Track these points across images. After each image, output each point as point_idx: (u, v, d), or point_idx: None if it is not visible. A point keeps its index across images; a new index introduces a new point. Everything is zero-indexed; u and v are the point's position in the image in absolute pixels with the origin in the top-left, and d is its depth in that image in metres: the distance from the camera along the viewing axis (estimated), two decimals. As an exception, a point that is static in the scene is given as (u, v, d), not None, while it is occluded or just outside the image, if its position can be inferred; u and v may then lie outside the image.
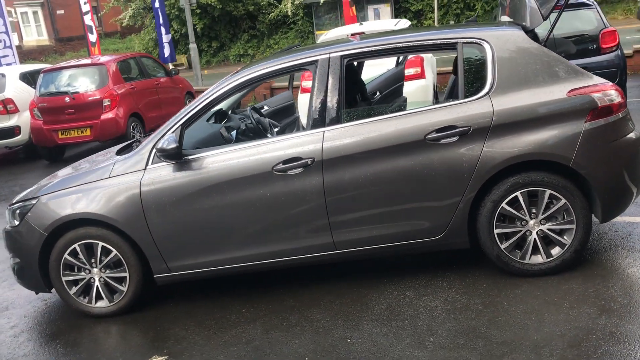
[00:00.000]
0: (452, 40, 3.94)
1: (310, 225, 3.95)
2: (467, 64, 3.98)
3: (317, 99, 3.95)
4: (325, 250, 4.00)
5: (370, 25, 9.10)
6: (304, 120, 6.77)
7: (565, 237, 3.82)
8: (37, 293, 4.66)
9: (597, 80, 3.80)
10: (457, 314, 3.60)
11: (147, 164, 4.07)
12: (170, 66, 13.64)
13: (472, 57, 4.02)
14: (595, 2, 7.77)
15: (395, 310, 3.74)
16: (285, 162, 3.89)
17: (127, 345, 3.85)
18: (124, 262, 4.14)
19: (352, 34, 8.37)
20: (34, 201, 4.26)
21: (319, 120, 3.93)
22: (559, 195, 3.75)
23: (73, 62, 10.92)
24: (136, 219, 4.05)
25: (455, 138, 3.75)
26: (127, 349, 3.79)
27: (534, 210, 3.81)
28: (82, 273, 4.23)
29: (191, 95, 12.98)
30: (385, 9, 26.70)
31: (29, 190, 4.54)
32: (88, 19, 14.33)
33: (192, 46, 15.19)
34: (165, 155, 3.93)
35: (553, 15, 4.06)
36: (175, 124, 4.08)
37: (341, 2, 26.82)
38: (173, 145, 3.87)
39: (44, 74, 10.42)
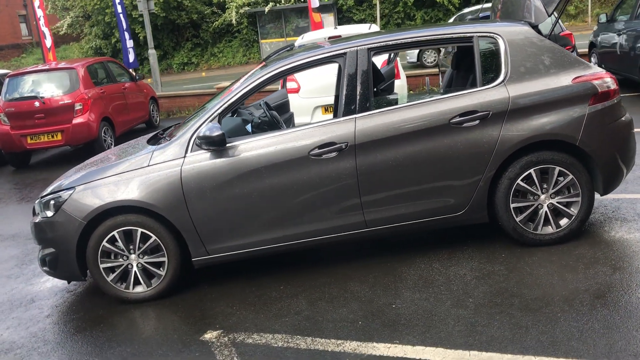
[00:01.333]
0: (469, 35, 4.37)
1: (343, 205, 4.26)
2: (481, 55, 4.41)
3: (348, 88, 4.28)
4: (357, 228, 4.32)
5: (345, 29, 9.50)
6: (297, 118, 7.10)
7: (572, 208, 4.29)
8: (69, 282, 4.76)
9: (596, 69, 4.31)
10: (486, 279, 4.00)
11: (186, 152, 4.28)
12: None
13: (485, 50, 4.44)
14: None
15: (428, 280, 4.10)
16: (320, 147, 4.19)
17: (178, 324, 4.02)
18: (163, 247, 4.32)
19: (330, 37, 8.78)
20: (70, 191, 4.38)
21: (350, 108, 4.25)
22: (567, 172, 4.22)
23: (41, 67, 10.78)
24: (177, 204, 4.24)
25: (477, 122, 4.17)
26: (179, 327, 3.97)
27: (545, 186, 4.26)
28: (120, 260, 4.37)
29: (155, 100, 13.01)
30: (329, 18, 27.18)
31: (56, 183, 4.64)
32: (43, 25, 14.08)
33: (152, 52, 15.18)
34: (210, 142, 4.14)
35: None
36: (213, 114, 4.31)
37: (284, 12, 27.31)
38: (218, 132, 4.10)
39: (10, 78, 10.27)
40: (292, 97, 8.46)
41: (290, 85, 8.61)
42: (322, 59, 4.42)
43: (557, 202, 4.29)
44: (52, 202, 4.44)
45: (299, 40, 9.15)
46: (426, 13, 25.94)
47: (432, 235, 4.79)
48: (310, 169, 4.21)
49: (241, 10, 27.27)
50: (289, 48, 6.99)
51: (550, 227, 4.32)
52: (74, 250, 4.35)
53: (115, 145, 10.51)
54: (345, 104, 4.27)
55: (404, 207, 4.28)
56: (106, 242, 4.32)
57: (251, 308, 4.08)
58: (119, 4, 14.55)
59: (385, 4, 26.31)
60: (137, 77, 12.41)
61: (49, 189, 4.62)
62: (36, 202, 4.68)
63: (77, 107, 9.93)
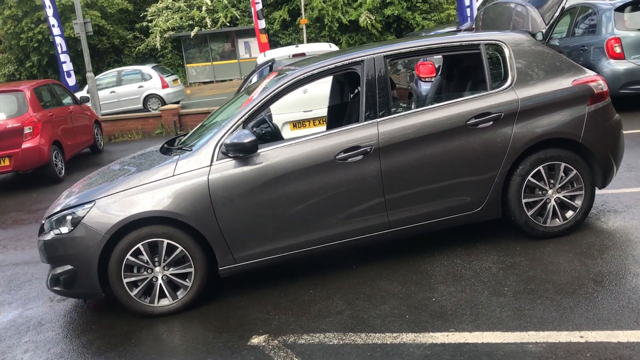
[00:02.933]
0: (476, 42, 4.66)
1: (368, 207, 4.39)
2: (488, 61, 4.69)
3: (367, 94, 4.44)
4: (382, 229, 4.45)
5: (305, 47, 9.68)
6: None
7: (576, 201, 4.63)
8: (85, 301, 4.58)
9: (590, 72, 4.71)
10: (512, 269, 4.23)
11: (212, 161, 4.28)
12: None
13: (491, 56, 4.73)
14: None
15: (455, 274, 4.29)
16: (346, 150, 4.31)
17: (217, 333, 3.96)
18: (190, 258, 4.27)
19: (294, 54, 8.94)
20: (89, 205, 4.26)
21: (372, 112, 4.41)
22: (571, 167, 4.56)
23: (-17, 90, 10.24)
24: (205, 213, 4.22)
25: (490, 123, 4.44)
26: (219, 336, 3.92)
27: (552, 181, 4.58)
28: (145, 273, 4.28)
29: (98, 124, 12.65)
30: (255, 42, 27.41)
31: (67, 199, 4.48)
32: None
33: (90, 75, 14.73)
34: (240, 149, 4.16)
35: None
36: (237, 122, 4.34)
37: (210, 37, 27.24)
38: (251, 139, 4.13)
39: (-51, 102, 9.68)
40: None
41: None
42: (340, 67, 4.56)
43: (563, 196, 4.61)
44: (68, 217, 4.29)
45: (262, 58, 9.25)
46: (350, 37, 26.66)
47: (437, 235, 4.97)
48: (336, 173, 4.32)
49: (165, 35, 26.96)
50: (270, 63, 7.08)
51: (557, 219, 4.63)
52: (96, 266, 4.22)
53: (65, 171, 10.14)
54: (366, 109, 4.42)
55: (426, 207, 4.47)
56: (130, 255, 4.22)
57: (288, 312, 4.11)
58: (57, 26, 14.07)
59: (311, 28, 26.82)
60: (80, 101, 12.04)
61: (61, 205, 4.46)
62: (45, 220, 4.50)
63: (27, 130, 9.51)
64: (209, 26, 26.64)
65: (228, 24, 27.02)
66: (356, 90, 5.60)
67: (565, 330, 3.37)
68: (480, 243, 4.76)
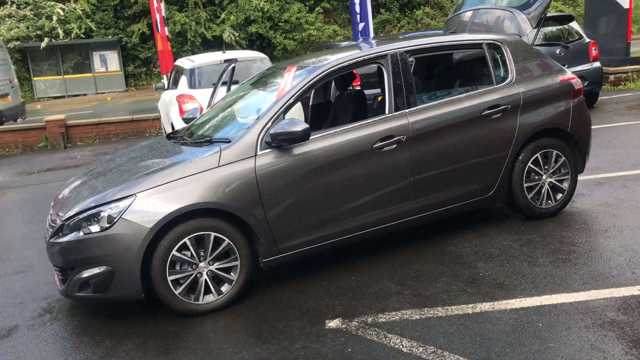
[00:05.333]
0: (479, 42, 5.10)
1: (402, 193, 4.60)
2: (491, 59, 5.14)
3: (394, 86, 4.66)
4: (411, 215, 4.68)
5: (234, 53, 9.62)
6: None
7: (564, 184, 5.22)
8: (120, 303, 4.24)
9: (569, 71, 5.36)
10: (532, 244, 4.68)
11: (256, 150, 4.22)
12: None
13: (493, 54, 5.18)
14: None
15: (485, 252, 4.63)
16: (382, 139, 4.50)
17: (286, 322, 3.90)
18: (236, 251, 4.16)
19: (226, 60, 8.86)
20: (129, 200, 3.98)
21: (400, 103, 4.64)
22: (561, 154, 5.15)
23: None
24: (253, 204, 4.15)
25: (500, 114, 4.89)
26: (290, 324, 3.86)
27: (545, 167, 5.13)
28: (189, 269, 4.09)
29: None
30: (112, 55, 26.34)
31: (95, 196, 4.12)
32: None
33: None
34: (293, 137, 4.14)
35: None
36: (278, 111, 4.33)
37: (62, 48, 25.56)
38: (305, 127, 4.14)
39: None
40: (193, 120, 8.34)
41: (191, 106, 8.46)
42: (367, 60, 4.73)
43: (555, 180, 5.18)
44: (103, 214, 3.97)
45: (191, 64, 9.04)
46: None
47: (440, 223, 5.28)
48: (373, 161, 4.48)
49: (9, 45, 24.76)
50: (233, 64, 7.01)
51: (550, 201, 5.19)
52: (139, 264, 3.95)
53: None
54: (395, 100, 4.64)
55: (448, 193, 4.78)
56: (176, 250, 4.01)
57: (344, 297, 4.16)
58: None
59: (173, 42, 26.24)
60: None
61: (86, 203, 4.09)
62: (64, 221, 4.11)
63: None
64: (61, 37, 24.98)
65: (83, 36, 25.54)
66: (348, 89, 5.80)
67: (622, 286, 3.85)
68: (485, 226, 5.17)
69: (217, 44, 26.30)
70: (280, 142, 4.19)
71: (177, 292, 4.05)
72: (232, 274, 4.19)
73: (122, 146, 11.97)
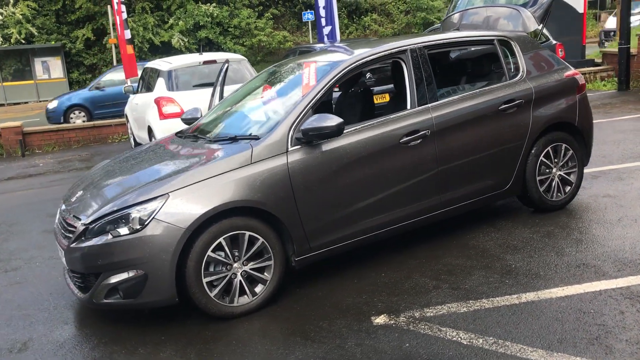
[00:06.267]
0: (491, 38, 5.16)
1: (428, 188, 4.59)
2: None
3: (416, 80, 4.64)
4: (436, 210, 4.67)
5: (210, 55, 9.42)
6: None
7: (571, 177, 5.34)
8: (151, 309, 4.02)
9: (572, 68, 5.50)
10: (553, 236, 4.75)
11: (287, 146, 4.12)
12: None
13: (503, 50, 5.24)
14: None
15: (508, 245, 4.67)
16: (408, 134, 4.48)
17: (329, 321, 3.80)
18: (270, 250, 4.04)
19: (205, 61, 8.72)
20: (161, 199, 3.80)
21: (422, 98, 4.63)
22: (569, 147, 5.27)
23: None
24: (286, 201, 4.05)
25: (515, 108, 4.96)
26: (334, 322, 3.76)
27: (555, 160, 5.23)
28: (223, 270, 3.94)
29: None
30: (56, 61, 25.43)
31: (123, 197, 3.90)
32: None
33: None
34: (326, 133, 4.05)
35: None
36: (307, 107, 4.24)
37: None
38: (339, 121, 4.05)
39: None
40: (173, 122, 8.16)
41: (171, 109, 8.26)
42: (388, 55, 4.70)
43: (563, 173, 5.29)
44: (134, 215, 3.77)
45: (168, 66, 8.79)
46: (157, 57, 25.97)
47: (452, 219, 5.29)
48: (400, 156, 4.45)
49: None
50: (226, 65, 6.85)
51: (560, 193, 5.30)
52: (174, 267, 3.78)
53: None
54: (417, 94, 4.63)
55: (469, 187, 4.80)
56: (211, 251, 3.86)
57: (382, 293, 4.10)
58: None
59: (119, 48, 25.51)
60: None
61: (111, 206, 3.87)
62: (86, 226, 3.88)
63: None
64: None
65: (23, 41, 24.51)
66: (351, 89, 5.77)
67: (658, 271, 3.95)
68: (499, 220, 5.22)
69: (165, 50, 25.77)
70: (312, 137, 4.10)
71: (212, 295, 3.89)
72: (265, 273, 4.06)
73: (86, 153, 11.54)
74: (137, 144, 10.71)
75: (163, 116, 8.23)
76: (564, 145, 5.23)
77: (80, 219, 3.99)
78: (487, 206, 5.45)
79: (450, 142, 4.64)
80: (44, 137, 12.12)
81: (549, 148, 5.15)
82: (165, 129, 8.24)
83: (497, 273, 4.20)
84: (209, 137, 4.65)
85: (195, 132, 4.94)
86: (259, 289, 4.05)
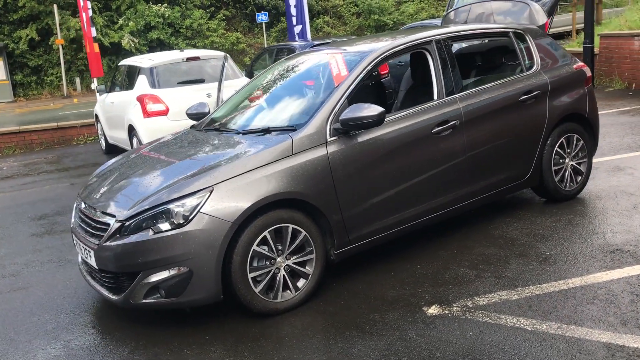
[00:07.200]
0: (506, 30, 5.21)
1: (458, 178, 4.58)
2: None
3: (443, 71, 4.63)
4: (465, 200, 4.66)
5: (192, 52, 9.16)
6: None
7: (582, 167, 5.45)
8: (192, 308, 3.84)
9: (579, 60, 5.62)
10: (576, 224, 4.82)
11: (326, 137, 4.03)
12: None
13: (519, 42, 5.28)
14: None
15: (535, 235, 4.70)
16: (439, 124, 4.46)
17: (380, 314, 3.72)
18: (312, 243, 3.93)
19: (189, 58, 8.51)
20: (205, 192, 3.64)
21: (449, 88, 4.62)
22: (580, 138, 5.38)
23: None
24: (328, 193, 3.95)
25: (533, 100, 5.02)
26: (386, 315, 3.69)
27: (568, 150, 5.32)
28: (267, 264, 3.80)
29: None
30: (-1, 64, 24.34)
31: (162, 193, 3.70)
32: None
33: None
34: (367, 123, 3.96)
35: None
36: (342, 97, 4.15)
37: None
38: (380, 110, 3.98)
39: None
40: (158, 121, 7.94)
41: (156, 107, 8.00)
42: (414, 45, 4.66)
43: (575, 163, 5.39)
44: (177, 209, 3.59)
45: (150, 63, 8.49)
46: (111, 60, 25.25)
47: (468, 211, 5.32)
48: (433, 147, 4.43)
49: None
50: (225, 62, 6.71)
51: (572, 183, 5.39)
52: (221, 262, 3.62)
53: None
54: (445, 85, 4.61)
55: (494, 177, 4.82)
56: (256, 245, 3.72)
57: (424, 284, 4.05)
58: None
59: (67, 49, 24.68)
60: None
61: (150, 201, 3.67)
62: (122, 222, 3.68)
63: None
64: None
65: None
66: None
67: (691, 254, 4.06)
68: (516, 210, 5.27)
69: (114, 51, 25.10)
70: (352, 128, 4.01)
71: (257, 291, 3.75)
72: (307, 267, 3.95)
73: (52, 155, 11.04)
74: (108, 146, 10.32)
75: (147, 114, 7.94)
76: (575, 136, 5.33)
77: (113, 216, 3.77)
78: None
79: (477, 132, 4.65)
80: (3, 139, 11.52)
81: (562, 139, 5.23)
82: (150, 127, 7.98)
83: (534, 261, 4.22)
84: (236, 129, 4.49)
85: (216, 125, 4.77)
86: (301, 283, 3.93)
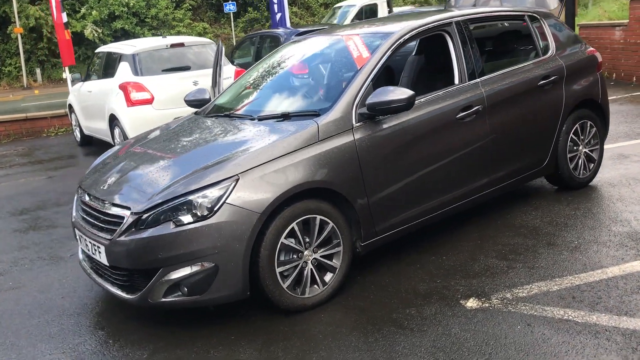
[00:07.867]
0: (522, 14, 5.06)
1: (482, 166, 4.41)
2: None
3: (464, 54, 4.44)
4: (488, 188, 4.50)
5: (176, 38, 8.80)
6: None
7: (594, 154, 5.35)
8: (217, 305, 3.57)
9: (590, 46, 5.51)
10: (596, 212, 4.72)
11: (352, 123, 3.80)
12: None
13: (535, 26, 5.12)
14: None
15: (558, 223, 4.56)
16: (463, 109, 4.27)
17: (417, 308, 3.51)
18: (339, 235, 3.70)
19: (173, 44, 8.15)
20: (230, 181, 3.36)
21: (471, 72, 4.44)
22: (593, 125, 5.27)
23: None
24: (355, 182, 3.73)
25: (551, 85, 4.88)
26: (423, 309, 3.49)
27: (582, 137, 5.21)
28: (294, 258, 3.56)
29: None
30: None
31: (181, 181, 3.42)
32: None
33: None
34: (396, 107, 3.73)
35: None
36: (366, 81, 3.92)
37: None
38: (410, 94, 3.75)
39: None
40: (143, 110, 7.58)
41: (140, 95, 7.63)
42: (434, 27, 4.45)
43: (588, 150, 5.29)
44: (201, 200, 3.31)
45: (132, 49, 8.09)
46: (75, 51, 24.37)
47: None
48: (458, 133, 4.25)
49: None
50: (220, 49, 6.42)
51: (585, 170, 5.29)
52: (248, 256, 3.36)
53: None
54: (467, 68, 4.43)
55: (515, 164, 4.66)
56: (284, 238, 3.47)
57: (455, 277, 3.87)
58: None
59: (26, 38, 23.71)
60: None
61: (170, 191, 3.38)
62: (139, 215, 3.38)
63: None
64: None
65: None
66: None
67: None
68: (531, 199, 5.14)
69: (77, 41, 24.18)
70: (379, 112, 3.79)
71: (284, 286, 3.50)
72: (334, 260, 3.71)
73: (22, 148, 10.50)
74: (84, 137, 9.86)
75: (131, 103, 7.56)
76: (589, 122, 5.22)
77: (127, 208, 3.46)
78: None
79: (500, 118, 4.48)
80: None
81: (577, 125, 5.11)
82: (134, 117, 7.61)
83: (565, 250, 4.08)
84: (250, 115, 4.21)
85: (224, 111, 4.48)
86: (328, 277, 3.70)
